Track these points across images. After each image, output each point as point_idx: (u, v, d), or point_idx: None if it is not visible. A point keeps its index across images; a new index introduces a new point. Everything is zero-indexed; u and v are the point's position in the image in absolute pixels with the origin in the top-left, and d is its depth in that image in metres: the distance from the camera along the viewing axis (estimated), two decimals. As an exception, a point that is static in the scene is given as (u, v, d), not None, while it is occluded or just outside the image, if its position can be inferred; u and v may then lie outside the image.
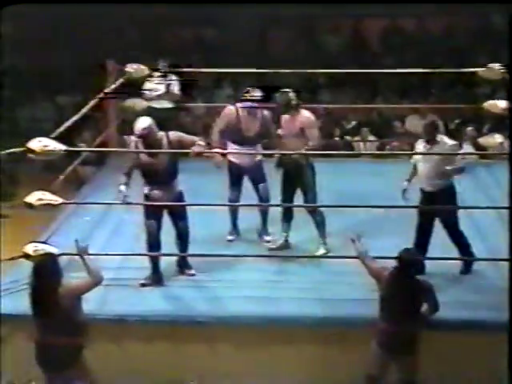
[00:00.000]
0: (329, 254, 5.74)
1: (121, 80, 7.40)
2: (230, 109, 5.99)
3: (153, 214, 5.39)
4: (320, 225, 5.84)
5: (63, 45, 10.94)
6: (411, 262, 4.69)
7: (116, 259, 5.56)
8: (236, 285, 5.38)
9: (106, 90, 7.29)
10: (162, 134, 5.36)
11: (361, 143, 9.30)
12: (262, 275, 5.50)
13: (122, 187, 5.36)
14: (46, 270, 4.43)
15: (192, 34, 11.72)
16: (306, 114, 5.80)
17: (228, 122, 5.95)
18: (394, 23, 11.42)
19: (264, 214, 6.10)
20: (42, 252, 5.18)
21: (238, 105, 5.96)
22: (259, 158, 6.04)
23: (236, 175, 6.02)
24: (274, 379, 5.00)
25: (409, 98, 10.05)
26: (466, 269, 5.62)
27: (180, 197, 5.48)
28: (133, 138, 5.38)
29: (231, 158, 5.95)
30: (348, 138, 9.44)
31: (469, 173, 6.83)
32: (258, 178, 6.03)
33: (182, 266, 5.58)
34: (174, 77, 7.55)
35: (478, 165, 7.68)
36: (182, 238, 5.51)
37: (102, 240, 6.02)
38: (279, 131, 5.90)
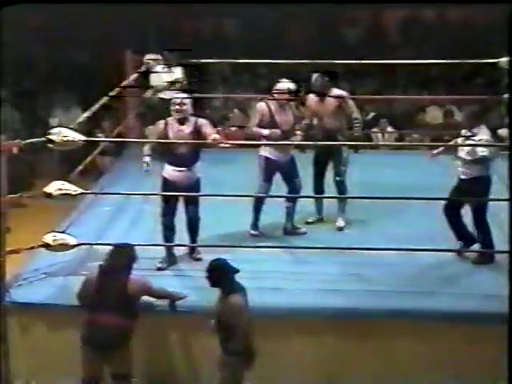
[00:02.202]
0: (345, 246, 5.68)
1: (139, 71, 7.42)
2: (261, 104, 5.90)
3: (169, 196, 5.47)
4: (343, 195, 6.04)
5: (80, 36, 10.95)
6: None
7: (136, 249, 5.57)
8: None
9: (124, 82, 7.31)
10: (193, 117, 5.46)
11: (379, 134, 9.24)
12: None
13: (147, 158, 5.52)
14: (123, 253, 4.61)
15: (210, 25, 11.67)
16: (338, 92, 6.04)
17: (262, 118, 5.87)
18: (414, 14, 11.31)
19: (292, 211, 6.04)
20: (61, 242, 5.22)
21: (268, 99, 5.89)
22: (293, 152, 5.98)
23: (270, 170, 5.90)
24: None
25: (429, 90, 9.95)
26: (484, 258, 5.54)
27: (197, 183, 5.53)
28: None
29: (266, 153, 5.86)
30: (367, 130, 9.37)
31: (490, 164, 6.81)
32: (291, 173, 5.95)
33: (192, 250, 5.65)
34: (179, 68, 7.52)
35: (498, 157, 7.58)
36: (192, 223, 5.59)
37: (122, 230, 6.03)
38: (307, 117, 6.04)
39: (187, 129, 5.42)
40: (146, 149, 5.58)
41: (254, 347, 4.48)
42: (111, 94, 6.65)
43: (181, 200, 5.56)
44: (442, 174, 6.57)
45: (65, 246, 5.22)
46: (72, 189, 5.28)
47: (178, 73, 7.61)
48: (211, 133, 5.39)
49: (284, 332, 4.93)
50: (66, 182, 5.31)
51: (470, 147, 5.43)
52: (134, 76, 7.47)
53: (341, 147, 6.07)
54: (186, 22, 11.23)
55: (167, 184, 5.51)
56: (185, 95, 5.59)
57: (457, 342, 4.84)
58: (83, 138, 5.23)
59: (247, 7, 10.71)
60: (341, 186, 6.15)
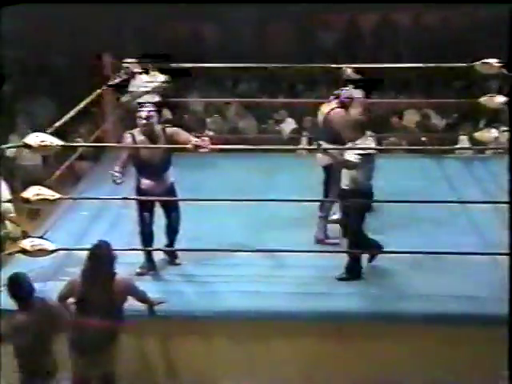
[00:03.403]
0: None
1: (118, 74, 7.39)
2: (338, 111, 5.80)
3: (145, 204, 5.46)
4: None
5: (59, 40, 10.90)
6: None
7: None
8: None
9: (103, 86, 7.28)
10: (159, 126, 5.40)
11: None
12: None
13: (116, 168, 5.35)
14: (103, 256, 4.54)
15: (190, 29, 11.67)
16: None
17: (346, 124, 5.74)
18: (389, 18, 11.39)
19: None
20: (39, 247, 5.18)
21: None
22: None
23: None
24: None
25: (406, 94, 10.02)
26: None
27: (171, 188, 5.50)
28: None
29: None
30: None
31: (465, 167, 6.90)
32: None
33: (171, 255, 5.64)
34: (158, 73, 7.49)
35: (475, 159, 7.67)
36: (172, 229, 5.57)
37: (99, 235, 5.98)
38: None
39: (156, 142, 5.34)
40: (117, 164, 5.37)
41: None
42: (88, 98, 6.62)
43: (159, 207, 5.53)
44: (417, 178, 6.68)
45: (43, 252, 5.18)
46: (50, 194, 5.25)
47: (157, 77, 7.59)
48: (189, 138, 5.31)
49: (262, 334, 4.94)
50: (43, 187, 5.28)
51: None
52: (112, 81, 7.44)
53: None
54: (165, 27, 11.19)
55: (141, 194, 5.46)
56: (151, 108, 5.43)
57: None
58: (61, 142, 5.19)
59: (227, 11, 10.80)
60: None
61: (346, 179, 5.27)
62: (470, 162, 7.26)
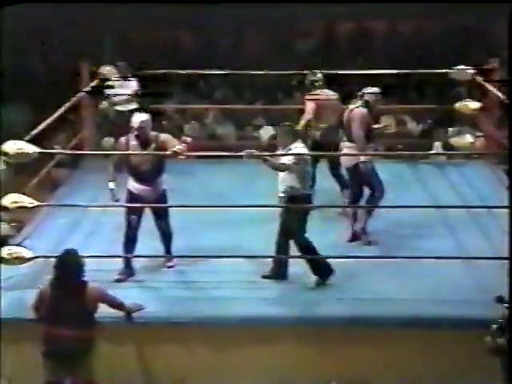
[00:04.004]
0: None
1: (94, 82, 7.38)
2: (363, 111, 5.93)
3: (134, 209, 5.45)
4: None
5: (40, 47, 10.82)
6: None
7: (92, 261, 5.50)
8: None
9: (80, 93, 7.25)
10: (154, 133, 5.44)
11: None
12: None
13: (111, 184, 5.41)
14: (70, 264, 4.46)
15: (168, 36, 11.63)
16: None
17: (366, 124, 5.95)
18: (364, 25, 11.46)
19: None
20: (16, 255, 5.14)
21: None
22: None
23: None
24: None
25: (382, 99, 10.06)
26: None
27: (163, 195, 5.52)
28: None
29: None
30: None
31: (440, 172, 6.97)
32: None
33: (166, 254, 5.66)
34: (133, 79, 7.50)
35: (449, 164, 7.74)
36: (164, 235, 5.58)
37: (78, 242, 5.95)
38: None
39: (149, 149, 5.38)
40: (111, 173, 5.43)
41: None
42: (66, 105, 6.60)
43: (149, 213, 5.54)
44: (393, 183, 6.73)
45: (20, 260, 5.14)
46: (28, 201, 5.22)
47: (133, 84, 7.58)
48: (175, 145, 5.34)
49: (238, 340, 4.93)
50: (21, 195, 5.24)
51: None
52: (89, 88, 7.42)
53: None
54: (143, 34, 11.15)
55: (132, 197, 5.46)
56: (145, 115, 5.46)
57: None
58: (38, 150, 5.16)
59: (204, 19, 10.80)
60: None
61: (282, 185, 5.30)
62: (444, 167, 7.32)
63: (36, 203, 5.29)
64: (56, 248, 5.69)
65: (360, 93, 6.03)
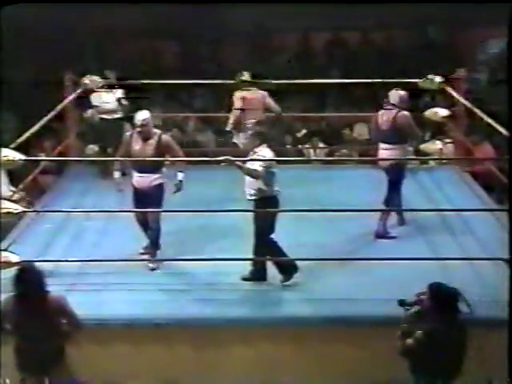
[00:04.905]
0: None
1: (78, 91, 7.36)
2: (407, 114, 6.07)
3: (136, 200, 5.66)
4: None
5: (24, 57, 10.72)
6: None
7: (75, 265, 5.47)
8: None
9: (64, 102, 7.21)
10: (156, 131, 5.66)
11: (311, 150, 9.34)
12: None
13: (117, 174, 5.67)
14: (31, 276, 4.29)
15: (151, 46, 11.60)
16: None
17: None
18: (339, 36, 11.51)
19: None
20: (3, 259, 5.08)
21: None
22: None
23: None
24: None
25: (356, 108, 10.13)
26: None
27: (160, 188, 5.63)
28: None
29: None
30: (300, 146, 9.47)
31: (411, 177, 7.00)
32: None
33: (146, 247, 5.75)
34: (120, 89, 7.48)
35: (420, 169, 7.79)
36: (153, 229, 5.66)
37: (63, 246, 5.91)
38: None
39: (150, 145, 5.58)
40: (116, 165, 5.72)
41: None
42: (51, 114, 6.55)
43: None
44: (366, 187, 6.75)
45: (7, 264, 5.08)
46: (13, 207, 5.17)
47: (117, 93, 7.55)
48: (178, 154, 5.58)
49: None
50: (7, 201, 5.19)
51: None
52: (73, 97, 7.38)
53: None
54: (125, 44, 11.10)
55: (134, 190, 5.66)
56: (146, 113, 5.63)
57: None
58: (23, 157, 5.12)
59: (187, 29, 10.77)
60: None
61: (250, 189, 5.30)
62: (416, 172, 7.36)
63: (21, 209, 5.23)
64: (42, 252, 5.67)
65: (386, 99, 6.17)
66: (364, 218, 5.96)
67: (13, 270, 4.51)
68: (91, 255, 5.59)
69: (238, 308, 5.09)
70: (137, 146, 5.59)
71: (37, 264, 4.48)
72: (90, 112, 7.65)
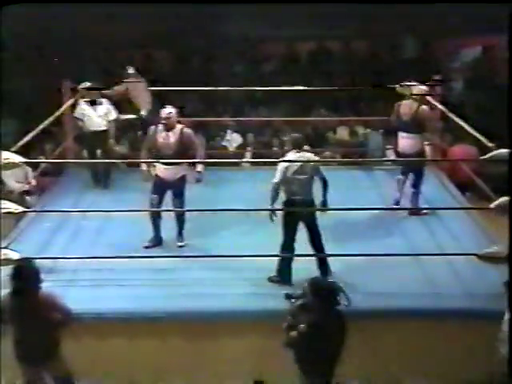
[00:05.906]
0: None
1: (74, 98, 7.37)
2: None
3: (158, 189, 5.82)
4: None
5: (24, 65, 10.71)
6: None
7: (73, 262, 5.50)
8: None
9: (61, 108, 7.23)
10: (180, 125, 5.85)
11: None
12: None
13: (144, 166, 5.92)
14: (28, 272, 4.31)
15: (143, 54, 11.60)
16: None
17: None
18: (322, 45, 11.58)
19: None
20: (4, 257, 5.09)
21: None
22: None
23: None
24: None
25: (339, 112, 10.21)
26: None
27: (183, 179, 5.81)
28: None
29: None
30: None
31: (391, 178, 7.06)
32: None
33: (178, 236, 5.93)
34: (103, 100, 7.39)
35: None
36: (178, 216, 5.85)
37: (61, 244, 5.93)
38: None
39: (173, 136, 5.77)
40: (143, 154, 5.88)
41: None
42: (49, 119, 6.57)
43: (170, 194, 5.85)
44: (349, 187, 6.80)
45: (8, 261, 5.09)
46: (14, 207, 5.19)
47: (102, 108, 7.41)
48: (196, 148, 5.77)
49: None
50: (7, 201, 5.21)
51: None
52: (70, 103, 7.40)
53: None
54: (123, 53, 11.08)
55: (158, 179, 5.81)
56: (171, 108, 5.82)
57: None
58: (23, 159, 5.15)
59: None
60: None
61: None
62: (396, 173, 7.42)
63: (21, 209, 5.25)
64: (41, 250, 5.69)
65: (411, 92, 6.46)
66: (348, 215, 5.99)
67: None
68: (89, 253, 5.60)
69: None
70: (160, 138, 5.78)
71: (33, 261, 4.46)
72: (81, 121, 7.54)
